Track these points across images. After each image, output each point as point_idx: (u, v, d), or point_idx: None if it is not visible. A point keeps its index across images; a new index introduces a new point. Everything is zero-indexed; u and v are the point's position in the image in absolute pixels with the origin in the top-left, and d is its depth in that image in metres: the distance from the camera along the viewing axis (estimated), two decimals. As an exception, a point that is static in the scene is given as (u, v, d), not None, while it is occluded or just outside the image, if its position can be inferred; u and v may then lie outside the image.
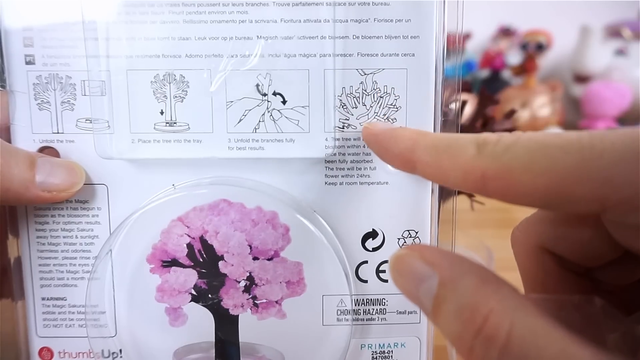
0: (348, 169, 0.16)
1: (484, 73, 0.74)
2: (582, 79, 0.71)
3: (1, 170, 0.14)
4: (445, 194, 0.16)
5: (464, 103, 0.26)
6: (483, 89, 0.28)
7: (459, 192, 0.16)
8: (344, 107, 0.15)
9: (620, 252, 0.11)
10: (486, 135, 0.10)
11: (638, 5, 0.74)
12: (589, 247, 0.11)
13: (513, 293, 0.09)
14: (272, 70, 0.15)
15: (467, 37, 0.70)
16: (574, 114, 0.72)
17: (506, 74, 0.73)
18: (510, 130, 0.28)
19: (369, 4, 0.15)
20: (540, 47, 0.74)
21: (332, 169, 0.16)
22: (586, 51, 0.69)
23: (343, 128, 0.15)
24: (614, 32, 0.71)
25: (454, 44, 0.15)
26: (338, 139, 0.15)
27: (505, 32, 0.77)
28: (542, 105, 0.65)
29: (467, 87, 0.27)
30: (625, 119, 0.67)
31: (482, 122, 0.26)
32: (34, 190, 0.14)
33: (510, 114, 0.28)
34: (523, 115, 0.63)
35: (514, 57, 0.74)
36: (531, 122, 0.64)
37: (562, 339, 0.08)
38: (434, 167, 0.11)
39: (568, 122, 0.70)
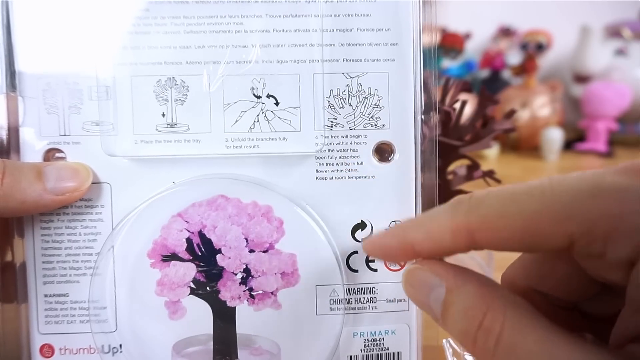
0: (337, 164, 0.17)
1: (484, 73, 0.75)
2: (582, 79, 0.72)
3: (12, 186, 0.15)
4: (426, 186, 0.18)
5: (464, 103, 0.26)
6: (483, 89, 0.29)
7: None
8: (332, 107, 0.17)
9: (599, 286, 0.12)
10: (458, 197, 0.12)
11: (638, 5, 0.76)
12: (569, 283, 0.12)
13: (506, 293, 0.11)
14: (265, 75, 0.17)
15: (467, 37, 0.73)
16: (574, 114, 0.73)
17: (506, 74, 0.74)
18: (510, 130, 0.29)
19: (352, 15, 0.17)
20: (540, 47, 0.77)
21: (322, 164, 0.17)
22: (586, 51, 0.71)
23: (332, 126, 0.18)
24: (614, 32, 0.74)
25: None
26: (327, 137, 0.17)
27: (505, 32, 0.80)
28: (542, 105, 0.66)
29: (467, 87, 0.29)
30: (625, 119, 0.69)
31: (482, 122, 0.27)
32: (48, 196, 0.16)
33: (510, 114, 0.28)
34: (523, 115, 0.64)
35: (514, 57, 0.76)
36: (531, 122, 0.65)
37: (543, 328, 0.10)
38: (427, 239, 0.12)
39: (568, 122, 0.71)
